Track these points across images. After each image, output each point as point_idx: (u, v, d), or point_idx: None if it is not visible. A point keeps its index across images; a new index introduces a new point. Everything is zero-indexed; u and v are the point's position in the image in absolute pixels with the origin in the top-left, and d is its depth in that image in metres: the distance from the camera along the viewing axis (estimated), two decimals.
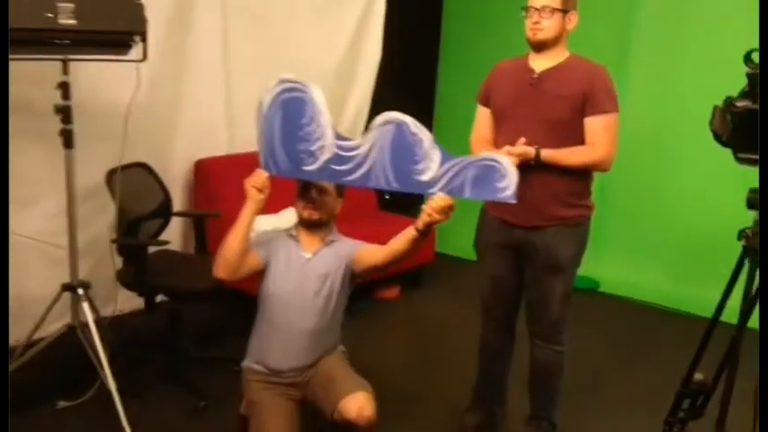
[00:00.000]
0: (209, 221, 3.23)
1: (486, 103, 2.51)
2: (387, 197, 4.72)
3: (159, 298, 3.02)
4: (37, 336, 2.72)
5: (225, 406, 2.63)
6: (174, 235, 3.41)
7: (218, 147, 3.81)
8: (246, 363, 2.25)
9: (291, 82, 2.02)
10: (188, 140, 3.68)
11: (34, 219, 3.00)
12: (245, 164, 3.65)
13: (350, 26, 4.43)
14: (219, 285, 3.00)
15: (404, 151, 1.98)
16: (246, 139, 3.80)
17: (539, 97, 2.33)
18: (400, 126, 1.97)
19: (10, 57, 2.44)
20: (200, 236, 3.20)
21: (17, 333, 2.80)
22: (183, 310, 3.05)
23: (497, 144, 2.38)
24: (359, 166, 2.01)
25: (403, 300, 4.24)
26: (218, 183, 3.65)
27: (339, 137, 2.03)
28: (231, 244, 2.10)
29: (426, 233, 2.01)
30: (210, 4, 3.65)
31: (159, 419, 2.69)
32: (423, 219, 1.98)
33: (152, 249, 2.95)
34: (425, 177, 1.98)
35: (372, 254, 2.17)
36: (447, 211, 1.95)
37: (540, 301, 2.45)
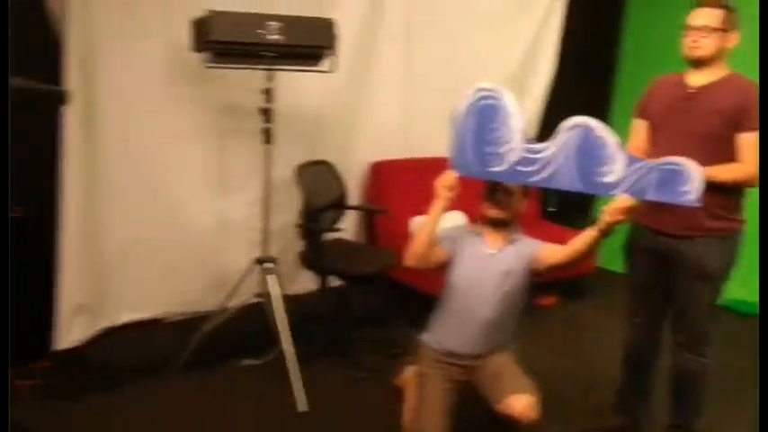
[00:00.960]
0: (379, 216, 3.59)
1: (642, 116, 2.59)
2: (551, 208, 4.80)
3: (331, 283, 3.41)
4: (231, 304, 3.22)
5: (381, 379, 2.93)
6: (348, 225, 3.80)
7: (393, 150, 4.14)
8: (425, 338, 2.46)
9: (487, 90, 2.16)
10: (366, 143, 4.05)
11: (239, 205, 3.51)
12: (415, 168, 4.02)
13: (526, 38, 4.59)
14: (384, 272, 3.36)
15: (589, 154, 2.05)
16: (419, 145, 4.15)
17: (692, 111, 2.37)
18: (587, 130, 2.06)
19: (227, 66, 2.95)
20: (370, 228, 3.57)
21: (216, 300, 3.31)
22: (351, 293, 3.42)
23: (651, 156, 2.44)
24: (544, 167, 2.10)
25: (560, 308, 4.30)
26: (389, 183, 4.02)
27: (528, 140, 2.15)
28: (421, 237, 2.29)
29: (607, 234, 2.09)
30: (395, 20, 3.99)
31: (325, 384, 3.06)
32: (604, 219, 2.06)
33: (329, 236, 3.35)
34: (609, 180, 2.05)
35: (553, 253, 2.28)
36: (629, 211, 2.04)
37: (686, 311, 2.47)
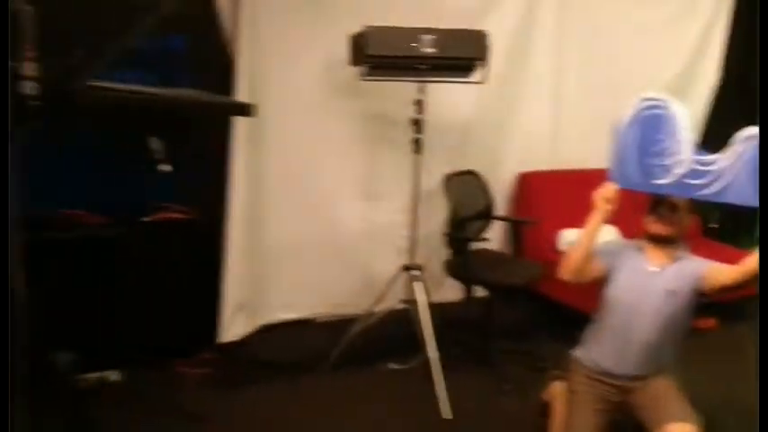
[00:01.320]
0: (526, 228, 3.55)
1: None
2: (712, 224, 4.50)
3: (476, 293, 3.42)
4: (378, 308, 3.32)
5: (525, 392, 2.90)
6: (495, 236, 3.78)
7: (542, 161, 4.08)
8: (578, 354, 2.38)
9: (653, 100, 2.09)
10: (515, 154, 4.02)
11: (387, 212, 3.61)
12: (565, 179, 3.93)
13: (690, 44, 4.35)
14: (530, 284, 3.31)
15: None
16: (569, 156, 4.06)
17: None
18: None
19: (382, 79, 3.07)
20: (517, 239, 3.54)
21: (364, 304, 3.43)
22: (496, 304, 3.40)
23: None
24: (715, 180, 1.99)
25: (720, 331, 4.01)
26: (537, 195, 3.96)
27: (698, 151, 2.04)
28: (577, 250, 2.23)
29: None
30: (548, 30, 3.93)
31: (469, 393, 3.06)
32: None
33: (475, 246, 3.36)
34: None
35: (724, 273, 2.13)
36: None
37: None
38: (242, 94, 3.10)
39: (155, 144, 1.41)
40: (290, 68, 3.29)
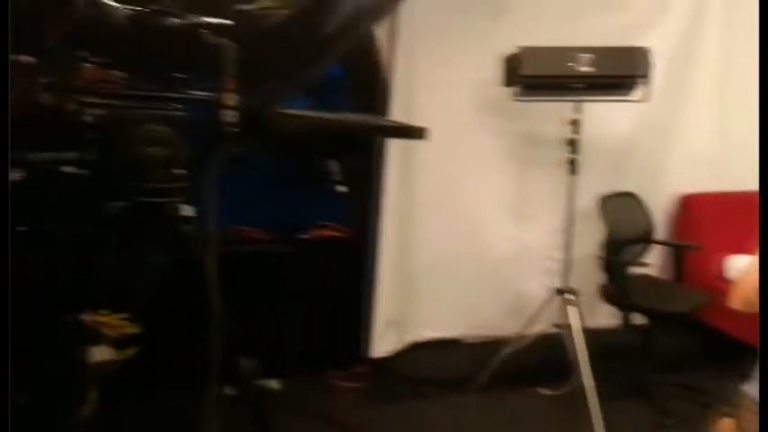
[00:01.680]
0: (689, 253, 3.34)
1: None
2: None
3: (634, 320, 3.26)
4: (528, 331, 3.26)
5: (689, 429, 2.71)
6: (654, 260, 3.59)
7: (706, 182, 3.82)
8: (748, 390, 2.24)
9: None
10: (676, 174, 3.80)
11: (537, 233, 3.56)
12: (731, 202, 3.67)
13: None
14: (693, 313, 3.11)
15: None
16: (736, 177, 3.77)
17: None
18: None
19: (536, 99, 3.04)
20: (679, 265, 3.34)
21: (512, 326, 3.39)
22: (655, 332, 3.22)
23: None
24: None
25: None
26: (701, 218, 3.71)
27: None
28: (751, 278, 2.13)
29: None
30: (713, 45, 3.72)
31: (627, 426, 2.92)
32: None
33: (632, 271, 3.21)
34: None
35: None
36: None
37: None
38: (396, 117, 3.21)
39: (333, 166, 1.50)
40: (441, 90, 3.35)
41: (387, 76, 3.27)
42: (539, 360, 3.29)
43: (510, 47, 3.03)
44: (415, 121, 3.28)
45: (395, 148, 3.25)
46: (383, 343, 3.39)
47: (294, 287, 3.24)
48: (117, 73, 1.37)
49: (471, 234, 3.52)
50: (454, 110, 3.38)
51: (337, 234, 3.42)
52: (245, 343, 1.63)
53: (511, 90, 3.02)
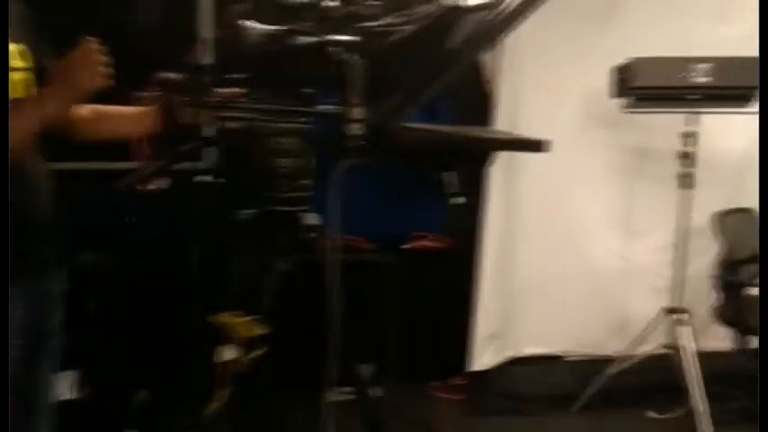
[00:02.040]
0: None
1: None
2: None
3: (752, 344, 3.09)
4: (635, 351, 3.15)
5: None
6: None
7: None
8: None
9: None
10: None
11: (645, 250, 3.44)
12: None
13: None
14: None
15: None
16: None
17: None
18: None
19: (648, 111, 2.96)
20: None
21: (616, 345, 3.29)
22: None
23: None
24: None
25: None
26: None
27: None
28: None
29: None
30: None
31: None
32: None
33: (751, 292, 3.04)
34: None
35: None
36: None
37: None
38: (499, 128, 3.21)
39: (450, 178, 1.53)
40: (546, 102, 3.31)
41: (491, 88, 3.28)
42: (646, 382, 3.17)
43: (619, 57, 2.97)
44: (519, 133, 3.29)
45: (498, 161, 3.24)
46: (483, 356, 3.36)
47: (395, 297, 3.28)
48: (250, 89, 1.45)
49: (576, 248, 3.45)
50: (560, 122, 3.33)
51: (438, 245, 3.44)
52: (357, 350, 1.68)
53: (621, 102, 2.96)
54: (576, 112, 3.35)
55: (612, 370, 3.14)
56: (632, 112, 2.94)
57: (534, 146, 1.43)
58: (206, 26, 2.64)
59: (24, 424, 1.62)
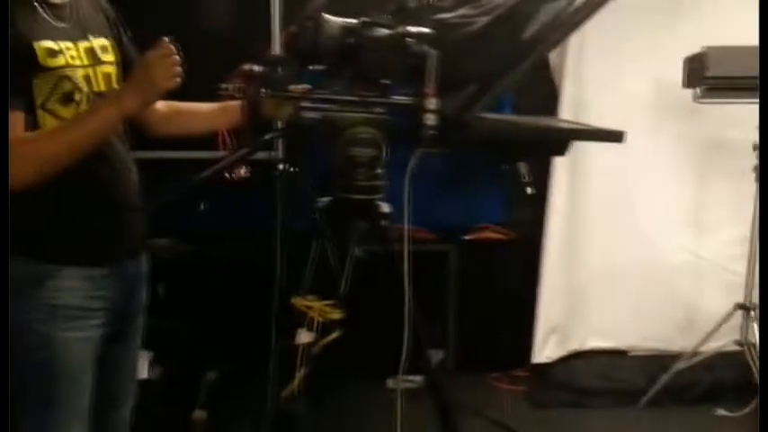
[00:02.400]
0: None
1: None
2: None
3: None
4: (704, 347, 3.08)
5: None
6: None
7: None
8: None
9: None
10: None
11: (716, 244, 3.35)
12: None
13: None
14: None
15: None
16: None
17: None
18: None
19: (724, 101, 2.88)
20: None
21: (684, 341, 3.22)
22: None
23: None
24: None
25: None
26: None
27: None
28: None
29: None
30: None
31: None
32: None
33: None
34: None
35: None
36: None
37: None
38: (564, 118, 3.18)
39: (522, 169, 1.54)
40: (614, 92, 3.25)
41: (556, 77, 3.24)
42: (715, 379, 3.10)
43: (693, 46, 2.89)
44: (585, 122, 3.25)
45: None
46: (545, 348, 3.35)
47: (457, 287, 3.30)
48: (328, 80, 1.50)
49: (644, 242, 3.38)
50: (627, 112, 3.24)
51: (500, 236, 3.43)
52: (424, 337, 1.71)
53: (695, 92, 2.89)
54: (646, 101, 3.27)
55: (681, 366, 3.08)
56: (705, 103, 2.87)
57: (610, 136, 1.43)
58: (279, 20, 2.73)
59: (112, 399, 1.72)
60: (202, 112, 1.74)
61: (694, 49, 2.90)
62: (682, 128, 3.27)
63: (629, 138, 3.39)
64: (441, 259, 3.31)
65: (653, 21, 3.15)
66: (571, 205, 3.32)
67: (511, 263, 3.38)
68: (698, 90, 2.87)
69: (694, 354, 3.07)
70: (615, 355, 3.44)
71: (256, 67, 1.44)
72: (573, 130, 1.49)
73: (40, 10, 1.41)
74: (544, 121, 1.59)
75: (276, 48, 2.69)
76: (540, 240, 3.31)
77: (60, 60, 1.41)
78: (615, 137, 1.41)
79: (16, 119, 1.33)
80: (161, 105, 1.70)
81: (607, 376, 3.28)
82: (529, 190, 2.03)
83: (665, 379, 3.07)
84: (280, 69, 1.42)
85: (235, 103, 1.57)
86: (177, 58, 1.40)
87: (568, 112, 3.21)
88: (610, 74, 3.24)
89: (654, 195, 3.35)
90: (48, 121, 1.40)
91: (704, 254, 3.37)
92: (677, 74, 3.00)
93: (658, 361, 3.24)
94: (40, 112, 1.39)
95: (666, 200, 3.37)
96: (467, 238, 3.41)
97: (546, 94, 3.26)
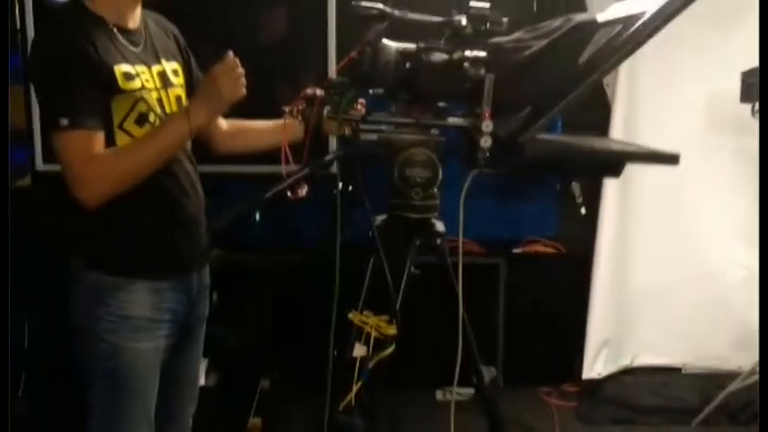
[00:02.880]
0: None
1: None
2: None
3: None
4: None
5: None
6: None
7: None
8: None
9: None
10: None
11: None
12: None
13: None
14: None
15: None
16: None
17: None
18: None
19: None
20: None
21: (740, 360, 3.16)
22: None
23: None
24: None
25: None
26: None
27: None
28: None
29: None
30: None
31: None
32: None
33: None
34: None
35: None
36: None
37: None
38: (616, 133, 3.15)
39: (576, 190, 1.56)
40: (668, 105, 3.22)
41: (608, 91, 3.22)
42: None
43: (748, 60, 2.84)
44: (637, 137, 3.21)
45: None
46: (596, 364, 3.32)
47: (506, 300, 3.29)
48: (386, 102, 1.55)
49: (697, 257, 3.33)
50: (683, 125, 3.22)
51: (551, 250, 3.42)
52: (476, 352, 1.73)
53: (751, 106, 2.84)
54: (699, 115, 3.23)
55: (736, 385, 3.01)
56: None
57: (666, 158, 1.43)
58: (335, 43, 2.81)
59: (175, 405, 1.79)
60: (264, 129, 1.80)
61: (751, 63, 2.85)
62: (738, 142, 3.22)
63: (681, 150, 3.37)
64: (490, 272, 3.31)
65: (707, 35, 3.11)
66: (622, 219, 3.29)
67: (561, 277, 3.36)
68: (755, 105, 2.82)
69: (751, 373, 3.00)
70: (668, 373, 3.39)
71: (318, 91, 1.50)
72: (628, 153, 1.50)
73: (118, 36, 1.50)
74: (598, 142, 1.60)
75: (331, 67, 2.77)
76: (591, 254, 3.29)
77: (136, 83, 1.49)
78: (671, 159, 1.41)
79: (97, 138, 1.42)
80: (223, 123, 1.78)
81: (660, 393, 3.24)
82: (582, 210, 2.02)
83: (719, 398, 3.01)
84: (340, 93, 1.47)
85: (294, 120, 1.63)
86: (242, 70, 1.47)
87: (620, 127, 3.18)
88: (663, 88, 3.20)
89: (708, 211, 3.30)
90: (123, 141, 1.48)
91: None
92: (733, 88, 2.95)
93: (713, 379, 3.18)
94: (117, 132, 1.47)
95: (721, 215, 3.31)
96: (516, 251, 3.41)
97: (598, 109, 3.23)
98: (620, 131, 3.18)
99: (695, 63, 3.15)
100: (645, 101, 3.21)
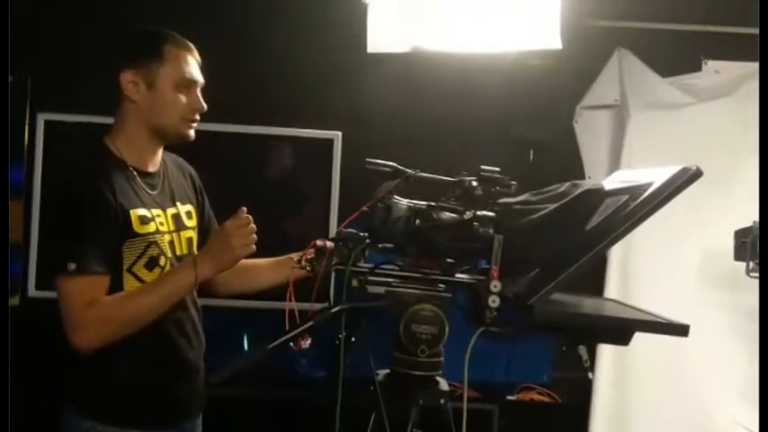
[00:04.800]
0: None
1: None
2: None
3: None
4: None
5: None
6: None
7: None
8: None
9: None
10: None
11: None
12: None
13: None
14: None
15: None
16: None
17: None
18: None
19: None
20: None
21: None
22: None
23: None
24: None
25: None
26: None
27: None
28: None
29: None
30: None
31: None
32: None
33: None
34: None
35: None
36: None
37: None
38: (611, 290, 3.19)
39: (583, 353, 1.54)
40: (663, 259, 3.26)
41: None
42: None
43: (741, 220, 2.92)
44: (631, 292, 3.22)
45: None
46: None
47: None
48: (395, 256, 1.56)
49: (696, 414, 3.23)
50: (678, 280, 3.26)
51: (544, 399, 3.33)
52: None
53: (746, 265, 2.88)
54: (697, 270, 3.27)
55: None
56: (757, 277, 2.84)
57: (676, 329, 1.43)
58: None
59: None
60: (263, 267, 1.80)
61: (744, 222, 2.92)
62: (734, 299, 3.23)
63: (678, 307, 3.34)
64: (484, 419, 3.21)
65: (703, 190, 3.20)
66: (617, 376, 3.23)
67: (557, 426, 3.26)
68: (750, 263, 2.86)
69: None
70: None
71: (328, 243, 1.52)
72: (638, 321, 1.50)
73: (137, 178, 1.53)
74: (608, 307, 1.61)
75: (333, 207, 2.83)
76: (587, 405, 3.20)
77: (151, 227, 1.50)
78: (680, 330, 1.41)
79: (102, 283, 1.41)
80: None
81: None
82: (590, 375, 1.98)
83: None
84: (350, 245, 1.48)
85: (291, 256, 1.63)
86: (254, 227, 1.49)
87: (615, 279, 3.22)
88: (659, 239, 3.25)
89: (707, 368, 3.26)
90: (131, 284, 1.47)
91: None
92: (726, 245, 3.00)
93: None
94: (125, 275, 1.46)
95: (719, 373, 3.26)
96: (510, 398, 3.32)
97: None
98: (615, 292, 3.21)
99: (690, 220, 3.23)
100: (637, 258, 3.26)
